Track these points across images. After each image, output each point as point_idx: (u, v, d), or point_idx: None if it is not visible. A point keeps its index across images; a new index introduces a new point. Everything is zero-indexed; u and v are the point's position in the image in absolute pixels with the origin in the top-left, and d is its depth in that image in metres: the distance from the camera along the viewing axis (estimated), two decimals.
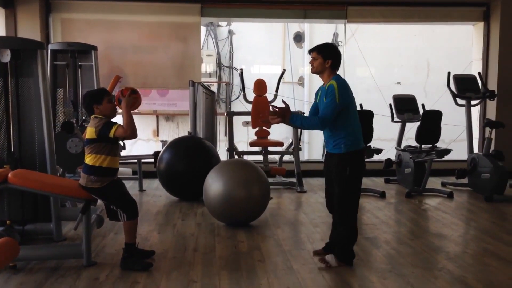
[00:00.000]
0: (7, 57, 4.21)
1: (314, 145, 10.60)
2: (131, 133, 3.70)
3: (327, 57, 3.82)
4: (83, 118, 6.40)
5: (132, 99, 3.81)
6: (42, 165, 4.44)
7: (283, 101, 3.90)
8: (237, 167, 5.12)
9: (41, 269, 3.79)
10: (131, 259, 3.82)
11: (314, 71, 3.91)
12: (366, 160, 6.60)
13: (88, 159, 3.75)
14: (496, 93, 7.49)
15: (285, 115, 3.78)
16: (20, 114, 4.39)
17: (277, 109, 3.81)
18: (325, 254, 4.01)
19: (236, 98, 10.29)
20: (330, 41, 9.96)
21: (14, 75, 4.33)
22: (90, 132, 3.71)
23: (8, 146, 4.36)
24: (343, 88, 3.77)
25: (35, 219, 4.50)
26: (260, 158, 7.16)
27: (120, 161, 4.60)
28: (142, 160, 6.96)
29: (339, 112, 3.76)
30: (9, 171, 3.88)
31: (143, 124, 9.63)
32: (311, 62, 3.90)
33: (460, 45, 9.85)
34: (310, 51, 3.93)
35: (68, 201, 5.24)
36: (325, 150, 4.21)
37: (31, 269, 3.80)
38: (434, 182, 7.29)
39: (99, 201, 3.91)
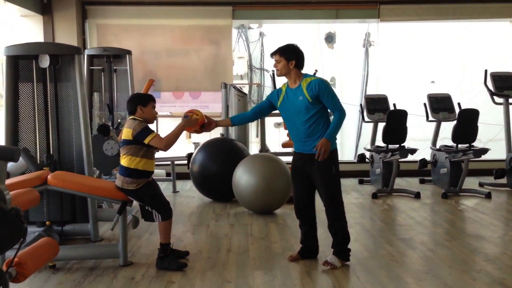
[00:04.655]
0: (46, 62, 4.34)
1: (346, 146, 10.48)
2: (165, 147, 3.77)
3: (290, 58, 3.82)
4: (118, 121, 6.53)
5: (191, 124, 3.87)
6: (79, 167, 4.56)
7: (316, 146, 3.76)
8: (264, 161, 5.73)
9: (80, 268, 3.89)
10: (166, 259, 3.88)
11: (279, 74, 3.91)
12: (400, 160, 6.56)
13: (124, 161, 3.82)
14: None
15: (326, 145, 3.70)
16: (58, 117, 4.52)
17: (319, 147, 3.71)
18: (302, 259, 4.03)
19: None
20: (362, 41, 9.87)
21: (52, 79, 4.46)
22: (126, 133, 3.78)
23: (47, 149, 4.48)
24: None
25: (73, 220, 4.62)
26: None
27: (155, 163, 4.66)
28: (176, 162, 7.04)
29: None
30: (48, 173, 4.00)
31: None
32: (275, 66, 3.90)
33: (497, 41, 9.59)
34: (272, 55, 3.91)
35: (104, 202, 5.35)
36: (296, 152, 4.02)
37: (69, 268, 3.90)
38: (471, 183, 7.12)
39: (135, 202, 3.98)
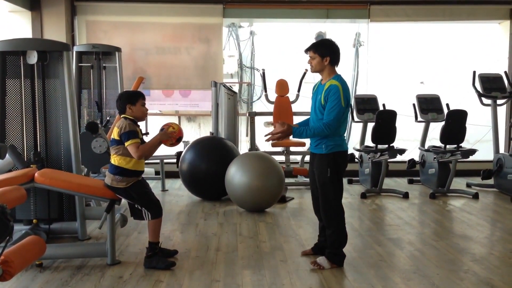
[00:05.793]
0: (34, 58, 4.29)
1: None
2: (138, 157, 3.76)
3: (324, 54, 3.74)
4: (107, 118, 6.48)
5: (166, 137, 3.93)
6: (67, 164, 4.52)
7: (282, 123, 3.78)
8: (258, 159, 5.84)
9: (67, 267, 3.86)
10: (155, 258, 3.86)
11: (313, 70, 3.83)
12: (389, 160, 6.58)
13: (115, 160, 3.80)
14: None
15: (283, 131, 3.72)
16: (46, 114, 4.48)
17: (278, 130, 3.76)
18: (314, 255, 4.03)
19: (258, 99, 10.28)
20: (352, 41, 9.90)
21: (40, 76, 4.41)
22: (115, 132, 3.77)
23: (34, 146, 4.44)
24: (347, 91, 3.72)
25: (60, 218, 4.58)
26: (282, 158, 7.15)
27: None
28: (165, 160, 7.02)
29: (342, 115, 3.69)
30: (35, 170, 3.96)
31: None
32: (309, 62, 3.81)
33: (486, 43, 9.68)
34: (306, 51, 3.83)
35: (92, 200, 5.32)
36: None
37: (57, 267, 3.86)
38: (458, 183, 7.17)
39: (123, 201, 3.96)
